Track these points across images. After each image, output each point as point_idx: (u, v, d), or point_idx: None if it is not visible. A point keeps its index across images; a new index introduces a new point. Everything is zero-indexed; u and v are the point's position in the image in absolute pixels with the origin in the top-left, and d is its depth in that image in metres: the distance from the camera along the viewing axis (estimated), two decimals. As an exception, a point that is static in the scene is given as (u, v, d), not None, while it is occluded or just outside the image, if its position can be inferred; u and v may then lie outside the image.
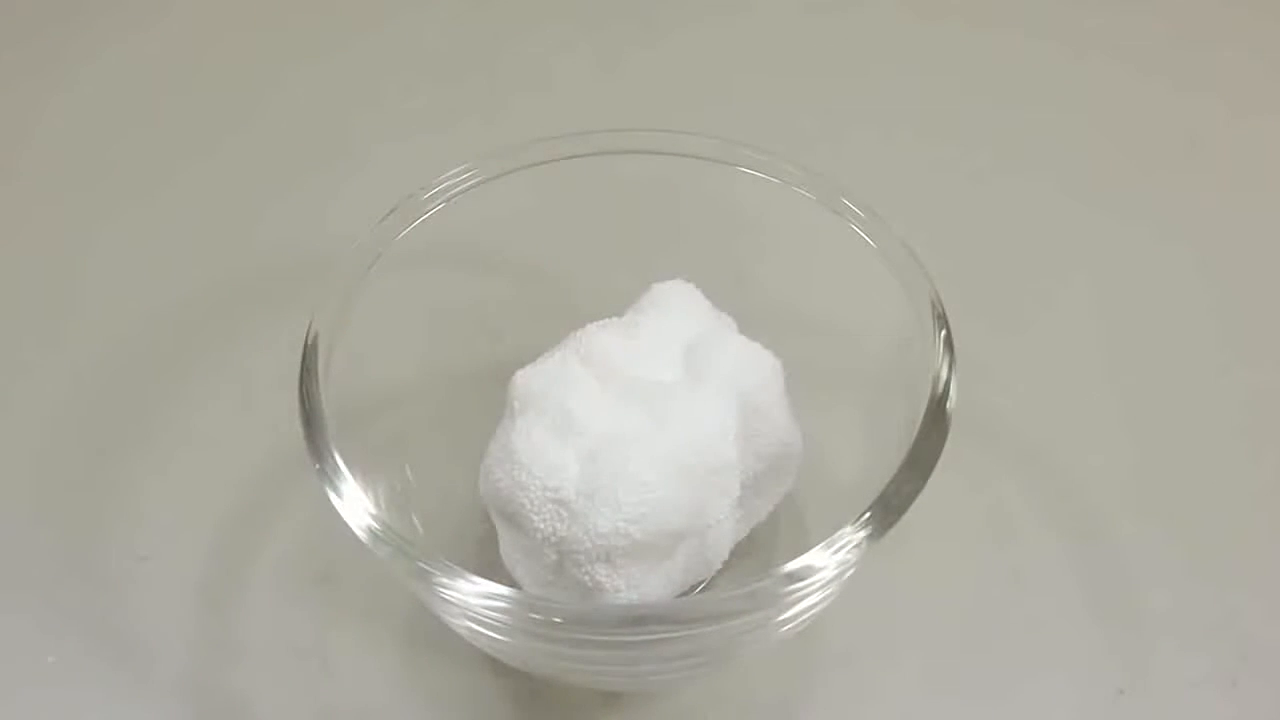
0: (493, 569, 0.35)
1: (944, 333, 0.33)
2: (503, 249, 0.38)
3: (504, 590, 0.30)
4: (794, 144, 0.38)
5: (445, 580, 0.30)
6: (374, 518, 0.31)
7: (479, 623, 0.31)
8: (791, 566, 0.30)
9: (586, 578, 0.33)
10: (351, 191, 0.47)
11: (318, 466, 0.32)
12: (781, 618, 0.32)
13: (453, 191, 0.37)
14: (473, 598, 0.30)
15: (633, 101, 0.49)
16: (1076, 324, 0.44)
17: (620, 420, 0.33)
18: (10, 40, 0.54)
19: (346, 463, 0.32)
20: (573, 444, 0.33)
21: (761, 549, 0.36)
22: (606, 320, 0.36)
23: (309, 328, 0.34)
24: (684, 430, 0.33)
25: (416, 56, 0.53)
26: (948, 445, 0.32)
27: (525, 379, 0.35)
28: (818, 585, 0.30)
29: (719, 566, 0.35)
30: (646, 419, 0.33)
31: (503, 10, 0.55)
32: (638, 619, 0.30)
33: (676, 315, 0.36)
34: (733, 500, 0.34)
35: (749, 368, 0.35)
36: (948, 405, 0.32)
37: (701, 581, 0.35)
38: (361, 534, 0.31)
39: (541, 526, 0.33)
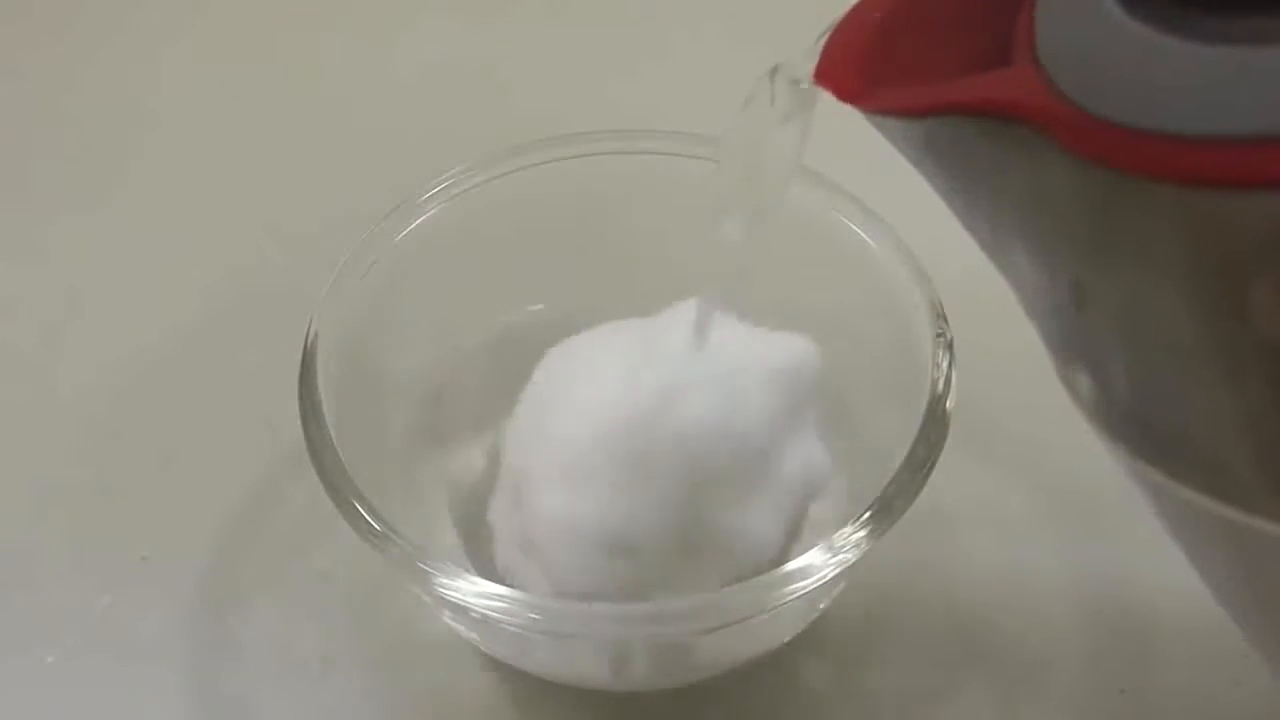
0: (492, 569, 0.35)
1: (944, 333, 0.33)
2: (503, 250, 0.38)
3: (504, 590, 0.30)
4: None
5: (445, 580, 0.30)
6: (374, 518, 0.31)
7: (479, 623, 0.31)
8: (791, 566, 0.30)
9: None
10: (352, 191, 0.47)
11: (317, 466, 0.32)
12: (781, 618, 0.32)
13: (453, 191, 0.37)
14: (473, 598, 0.30)
15: (634, 102, 0.49)
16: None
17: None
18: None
19: (346, 462, 0.32)
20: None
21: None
22: (622, 324, 0.34)
23: (309, 328, 0.34)
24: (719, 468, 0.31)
25: (416, 57, 0.53)
26: (948, 445, 0.32)
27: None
28: (818, 585, 0.30)
29: None
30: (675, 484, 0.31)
31: (503, 10, 0.55)
32: (636, 619, 0.30)
33: (708, 340, 0.32)
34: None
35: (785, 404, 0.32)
36: (947, 405, 0.32)
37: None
38: (361, 534, 0.31)
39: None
